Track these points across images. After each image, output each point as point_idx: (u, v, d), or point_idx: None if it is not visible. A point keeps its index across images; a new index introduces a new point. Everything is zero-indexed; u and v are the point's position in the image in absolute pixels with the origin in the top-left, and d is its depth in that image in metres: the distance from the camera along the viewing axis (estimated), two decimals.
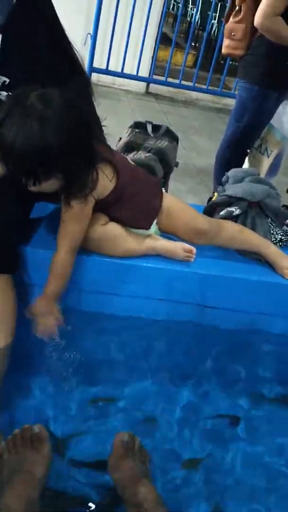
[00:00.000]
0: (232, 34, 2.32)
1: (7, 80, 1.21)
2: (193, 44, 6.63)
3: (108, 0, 4.62)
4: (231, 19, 2.34)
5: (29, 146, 1.02)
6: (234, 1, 2.33)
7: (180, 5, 5.62)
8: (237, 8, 2.31)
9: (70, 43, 1.27)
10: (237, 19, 2.30)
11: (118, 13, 4.69)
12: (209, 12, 5.92)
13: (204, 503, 1.08)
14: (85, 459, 1.11)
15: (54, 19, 1.23)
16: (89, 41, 4.70)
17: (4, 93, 1.22)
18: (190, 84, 5.29)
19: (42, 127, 1.02)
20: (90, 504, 1.01)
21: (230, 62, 5.10)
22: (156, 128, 2.31)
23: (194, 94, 5.60)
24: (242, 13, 2.28)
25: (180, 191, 3.10)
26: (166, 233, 1.46)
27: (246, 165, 2.74)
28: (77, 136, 1.07)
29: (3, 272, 1.18)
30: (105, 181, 1.24)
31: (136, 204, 1.35)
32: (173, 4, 8.76)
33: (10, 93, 1.22)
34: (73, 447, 1.13)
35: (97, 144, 1.17)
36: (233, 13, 2.34)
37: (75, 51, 1.28)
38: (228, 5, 2.49)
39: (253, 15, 2.17)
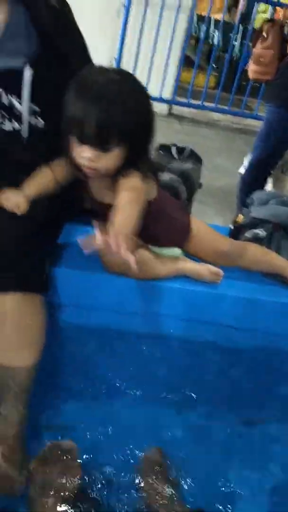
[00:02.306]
0: (260, 59, 2.40)
1: (37, 108, 1.26)
2: (214, 65, 6.72)
3: (132, 25, 4.75)
4: (258, 45, 2.42)
5: (111, 108, 1.06)
6: (261, 28, 2.41)
7: (204, 27, 5.72)
8: (264, 35, 2.39)
9: None
10: (265, 45, 2.38)
11: (143, 37, 4.81)
12: (231, 34, 6.02)
13: None
14: (112, 472, 1.12)
15: (83, 49, 1.30)
16: (114, 65, 4.82)
17: (34, 118, 1.28)
18: (212, 105, 5.36)
19: (122, 95, 1.07)
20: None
21: (252, 83, 5.16)
22: (180, 150, 2.35)
23: (216, 115, 5.66)
24: (270, 40, 2.36)
25: (203, 211, 3.12)
26: (190, 255, 1.49)
27: (269, 185, 2.76)
28: (148, 115, 1.13)
29: (35, 291, 1.21)
30: (150, 187, 1.27)
31: (170, 220, 1.38)
32: (195, 27, 8.91)
33: (39, 118, 1.27)
34: (101, 462, 1.14)
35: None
36: (260, 39, 2.41)
37: None
38: (250, 27, 2.56)
39: (280, 41, 2.25)
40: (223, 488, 1.15)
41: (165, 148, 2.35)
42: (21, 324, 1.18)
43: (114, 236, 1.00)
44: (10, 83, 1.21)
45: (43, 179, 1.29)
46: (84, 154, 1.11)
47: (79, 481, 1.01)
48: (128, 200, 1.14)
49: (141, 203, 1.17)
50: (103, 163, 1.13)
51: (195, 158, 2.37)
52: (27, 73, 1.19)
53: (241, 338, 1.49)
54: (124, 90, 1.08)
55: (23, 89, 1.20)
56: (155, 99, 5.16)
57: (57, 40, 1.22)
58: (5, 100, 1.22)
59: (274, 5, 5.28)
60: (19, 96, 1.22)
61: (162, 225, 1.37)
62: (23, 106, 1.23)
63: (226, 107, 5.44)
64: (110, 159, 1.12)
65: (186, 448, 1.24)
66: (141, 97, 1.12)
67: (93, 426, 1.25)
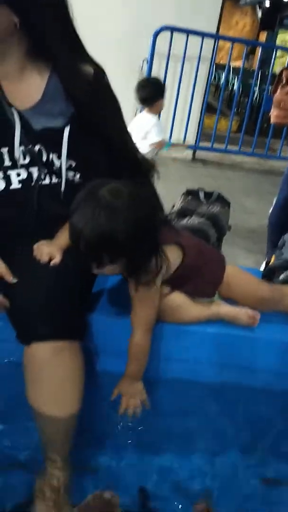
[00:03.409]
0: (281, 104, 2.45)
1: (74, 163, 1.32)
2: (236, 110, 6.89)
3: (155, 76, 4.94)
4: (279, 91, 2.48)
5: (95, 233, 1.09)
6: (281, 75, 2.47)
7: (224, 74, 5.91)
8: (284, 81, 2.45)
9: (130, 135, 1.43)
10: (284, 91, 2.43)
11: (165, 87, 4.98)
12: (251, 80, 6.20)
13: None
14: None
15: (116, 112, 1.37)
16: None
17: (71, 173, 1.33)
18: (235, 148, 5.46)
19: (109, 217, 1.09)
20: None
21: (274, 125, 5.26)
22: (208, 195, 2.39)
23: (240, 158, 5.75)
24: None
25: (233, 253, 3.13)
26: (227, 299, 1.48)
27: None
28: (143, 227, 1.14)
29: (72, 338, 1.22)
30: (171, 263, 1.28)
31: (200, 277, 1.39)
32: (215, 75, 9.21)
33: (76, 173, 1.33)
34: None
35: (162, 227, 1.24)
36: (281, 85, 2.47)
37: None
38: (269, 72, 2.64)
39: None
40: None
41: (193, 193, 2.39)
42: (61, 373, 1.18)
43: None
44: (50, 142, 1.28)
45: None
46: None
47: None
48: (141, 345, 1.29)
49: (149, 308, 1.29)
50: (105, 271, 1.20)
51: (223, 201, 2.40)
52: (67, 132, 1.26)
53: (282, 382, 1.46)
54: (119, 222, 1.09)
55: (62, 146, 1.27)
56: (179, 145, 5.30)
57: (89, 106, 1.28)
58: (45, 157, 1.29)
59: None
60: (58, 153, 1.29)
61: (195, 283, 1.39)
62: (62, 162, 1.28)
63: (249, 150, 5.53)
64: (109, 270, 1.19)
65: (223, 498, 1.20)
66: (143, 222, 1.13)
67: (132, 474, 1.23)
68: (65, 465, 1.14)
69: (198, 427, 1.39)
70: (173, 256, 1.31)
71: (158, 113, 3.52)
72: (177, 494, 1.20)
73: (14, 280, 1.24)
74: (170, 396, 1.45)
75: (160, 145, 3.49)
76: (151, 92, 3.45)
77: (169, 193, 2.24)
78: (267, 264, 1.84)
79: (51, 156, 1.29)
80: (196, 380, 1.45)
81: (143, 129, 3.43)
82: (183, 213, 2.28)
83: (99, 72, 1.33)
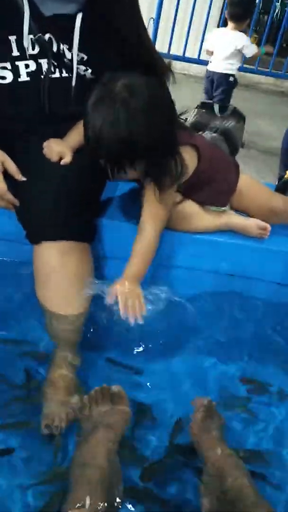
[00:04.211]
0: None
1: (85, 57, 1.25)
2: (254, 28, 6.46)
3: None
4: None
5: (115, 135, 1.04)
6: None
7: None
8: None
9: (147, 32, 1.34)
10: None
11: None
12: None
13: None
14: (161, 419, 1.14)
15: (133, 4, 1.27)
16: (152, 25, 4.71)
17: (83, 67, 1.26)
18: (252, 67, 5.19)
19: (128, 117, 1.03)
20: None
21: None
22: (223, 108, 2.30)
23: (256, 78, 5.48)
24: None
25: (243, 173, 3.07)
26: (239, 211, 1.46)
27: None
28: (161, 126, 1.08)
29: (81, 239, 1.22)
30: (188, 165, 1.23)
31: (214, 184, 1.35)
32: None
33: (87, 68, 1.26)
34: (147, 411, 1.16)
35: (177, 129, 1.18)
36: None
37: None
38: None
39: None
40: None
41: (207, 105, 2.30)
42: (70, 272, 1.19)
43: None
44: (61, 30, 1.20)
45: None
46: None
47: (127, 423, 1.03)
48: (148, 242, 1.22)
49: (163, 210, 1.24)
50: (121, 177, 1.15)
51: (238, 116, 2.32)
52: (79, 20, 1.18)
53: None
54: (138, 124, 1.04)
55: (74, 35, 1.19)
56: (193, 60, 5.04)
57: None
58: (55, 47, 1.21)
59: None
60: (69, 44, 1.21)
61: (207, 191, 1.35)
62: (73, 52, 1.21)
63: (267, 69, 5.25)
64: (129, 174, 1.14)
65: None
66: (162, 122, 1.08)
67: (137, 376, 1.26)
68: (74, 358, 1.17)
69: (196, 332, 1.41)
70: (190, 158, 1.25)
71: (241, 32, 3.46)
72: (174, 390, 1.24)
73: (24, 179, 1.22)
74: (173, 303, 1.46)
75: (258, 54, 3.67)
76: (242, 10, 3.37)
77: (180, 111, 2.13)
78: (279, 179, 1.80)
79: (61, 47, 1.22)
80: (202, 289, 1.46)
81: (233, 46, 3.40)
82: (195, 127, 2.21)
83: None
